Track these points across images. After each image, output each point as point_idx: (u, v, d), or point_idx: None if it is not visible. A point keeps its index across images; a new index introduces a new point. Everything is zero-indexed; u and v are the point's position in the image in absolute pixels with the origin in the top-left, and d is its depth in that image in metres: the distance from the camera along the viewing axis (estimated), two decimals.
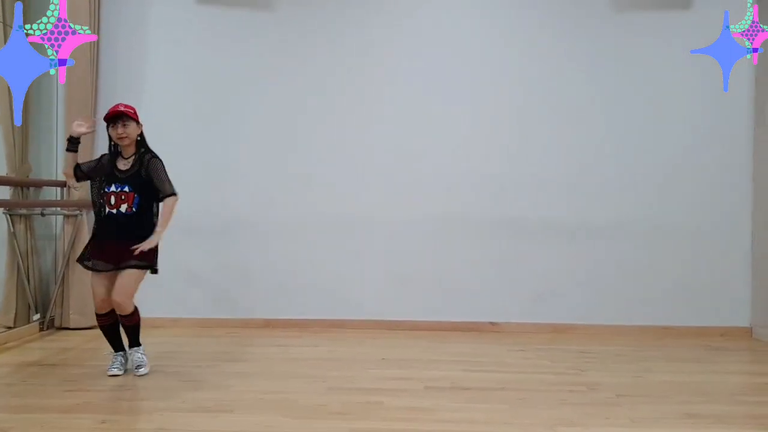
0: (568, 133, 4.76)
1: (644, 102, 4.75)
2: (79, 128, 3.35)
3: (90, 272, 3.42)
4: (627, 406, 2.99)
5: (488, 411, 2.91)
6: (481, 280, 4.78)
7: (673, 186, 4.73)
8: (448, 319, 4.76)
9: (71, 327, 4.60)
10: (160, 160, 3.43)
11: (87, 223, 4.65)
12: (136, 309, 3.43)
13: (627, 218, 4.73)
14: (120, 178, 3.36)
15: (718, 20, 4.56)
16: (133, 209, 3.34)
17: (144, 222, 3.39)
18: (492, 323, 4.76)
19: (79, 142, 3.39)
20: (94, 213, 3.50)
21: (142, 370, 3.43)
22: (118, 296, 3.31)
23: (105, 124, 3.41)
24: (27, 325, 4.42)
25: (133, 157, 3.41)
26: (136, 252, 3.27)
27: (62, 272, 4.59)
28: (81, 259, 3.46)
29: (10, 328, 4.35)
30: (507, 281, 4.77)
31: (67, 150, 3.39)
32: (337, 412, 2.86)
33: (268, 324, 4.79)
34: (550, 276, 4.76)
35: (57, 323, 4.64)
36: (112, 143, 3.44)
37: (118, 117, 3.34)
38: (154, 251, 3.39)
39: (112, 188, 3.35)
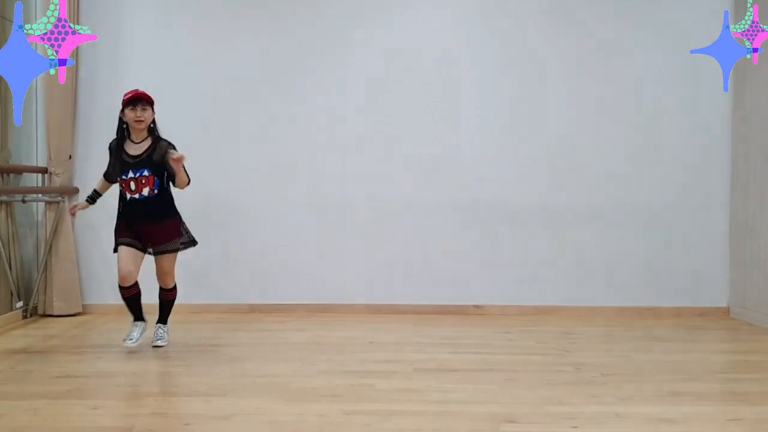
0: (550, 119, 4.81)
1: (622, 87, 4.81)
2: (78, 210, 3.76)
3: (117, 251, 3.54)
4: (612, 385, 3.07)
5: (477, 391, 2.96)
6: (464, 264, 4.83)
7: (652, 169, 4.81)
8: (432, 303, 4.80)
9: (55, 314, 4.56)
10: (175, 147, 3.52)
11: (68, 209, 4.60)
12: (175, 285, 3.72)
13: (607, 202, 4.81)
14: (133, 163, 3.45)
15: (699, 7, 4.73)
16: (155, 191, 3.48)
17: (166, 201, 3.57)
18: (476, 306, 4.82)
19: (89, 198, 3.73)
20: (119, 199, 3.59)
21: (160, 342, 3.66)
22: (161, 276, 3.64)
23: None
24: (10, 313, 4.37)
25: (146, 141, 3.49)
26: (175, 157, 3.37)
27: (45, 259, 4.54)
28: (115, 248, 3.57)
29: None
30: (490, 265, 4.83)
31: (93, 202, 3.76)
32: (329, 394, 2.89)
33: (253, 309, 4.80)
34: (533, 259, 4.82)
35: (40, 310, 4.60)
36: (124, 126, 3.49)
37: (138, 100, 3.42)
38: (180, 229, 3.61)
39: (130, 174, 3.46)
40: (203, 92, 4.78)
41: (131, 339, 3.55)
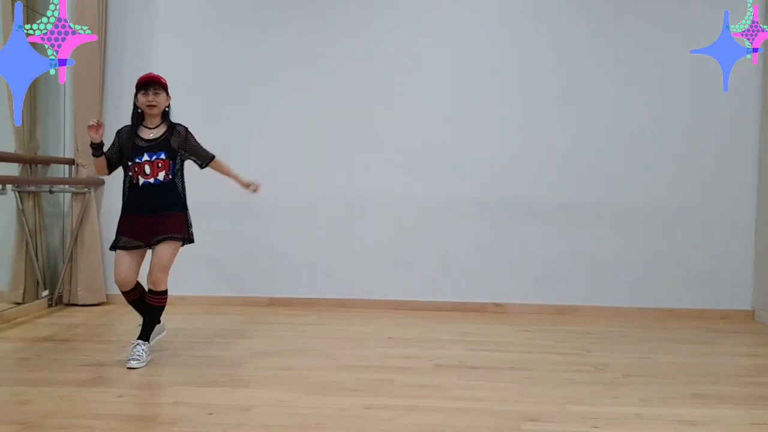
0: (573, 117, 4.78)
1: (650, 86, 4.75)
2: (95, 134, 3.21)
3: (116, 252, 3.30)
4: (634, 386, 3.04)
5: (498, 389, 2.96)
6: (484, 261, 4.82)
7: (676, 169, 4.75)
8: (451, 300, 4.80)
9: (79, 303, 4.63)
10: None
11: (94, 200, 4.67)
12: (166, 291, 3.33)
13: (630, 201, 4.76)
14: (148, 147, 3.26)
15: (724, 4, 4.66)
16: (170, 176, 3.29)
17: (176, 190, 3.34)
18: (495, 304, 4.81)
19: (102, 145, 3.25)
20: (124, 190, 3.37)
21: (135, 363, 3.17)
22: (155, 271, 3.26)
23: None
24: (36, 301, 4.46)
25: (161, 126, 3.32)
26: (254, 189, 3.51)
27: (70, 249, 4.61)
28: (113, 246, 3.33)
29: (18, 303, 4.38)
30: (510, 263, 4.81)
31: (94, 156, 3.28)
32: (349, 388, 2.91)
33: (273, 302, 4.84)
34: (553, 258, 4.80)
35: (65, 299, 4.68)
36: (138, 110, 3.32)
37: (150, 84, 3.26)
38: (185, 223, 3.34)
39: (145, 158, 3.24)
40: (223, 88, 4.82)
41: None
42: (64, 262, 4.63)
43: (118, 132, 3.38)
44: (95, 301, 4.67)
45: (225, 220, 4.81)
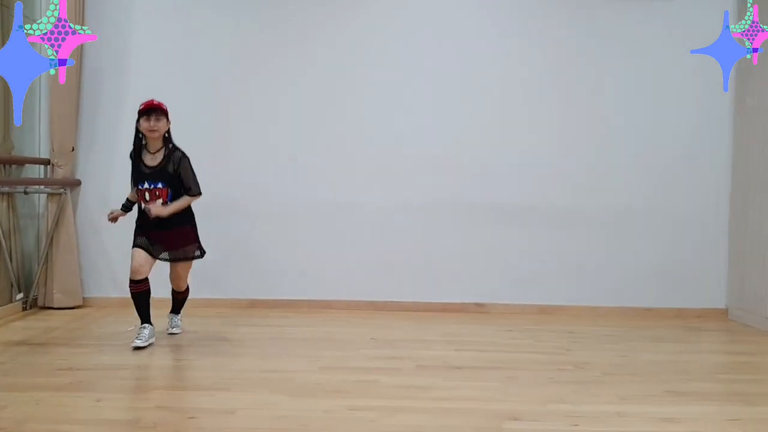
0: (553, 120, 4.81)
1: (626, 92, 4.81)
2: (116, 221, 3.72)
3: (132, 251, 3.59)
4: (614, 384, 3.08)
5: (481, 389, 2.97)
6: (467, 262, 4.83)
7: (654, 173, 4.82)
8: (434, 301, 4.81)
9: (55, 306, 4.54)
10: (188, 158, 3.61)
11: (70, 201, 4.59)
12: (188, 287, 3.89)
13: (609, 203, 4.82)
14: (149, 174, 3.54)
15: (697, 9, 4.74)
16: (168, 203, 3.56)
17: (180, 211, 3.62)
18: (478, 304, 4.83)
19: (129, 204, 3.74)
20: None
21: (176, 329, 3.87)
22: (176, 281, 3.79)
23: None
24: (9, 305, 4.36)
25: (161, 152, 3.56)
26: (152, 213, 3.52)
27: (45, 251, 4.52)
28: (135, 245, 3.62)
29: None
30: (492, 264, 4.83)
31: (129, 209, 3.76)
32: (333, 390, 2.90)
33: (255, 304, 4.80)
34: (535, 259, 4.83)
35: (40, 302, 4.59)
36: (140, 135, 3.56)
37: (152, 110, 3.49)
38: (196, 238, 3.73)
39: (146, 185, 3.54)
40: (205, 89, 4.76)
41: (137, 343, 3.48)
42: (39, 265, 4.55)
43: (130, 157, 3.64)
44: (71, 304, 4.58)
45: (206, 221, 4.70)
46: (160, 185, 3.53)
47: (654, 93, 4.82)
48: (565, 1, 4.80)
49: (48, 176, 4.59)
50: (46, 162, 4.58)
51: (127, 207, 3.75)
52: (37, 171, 4.65)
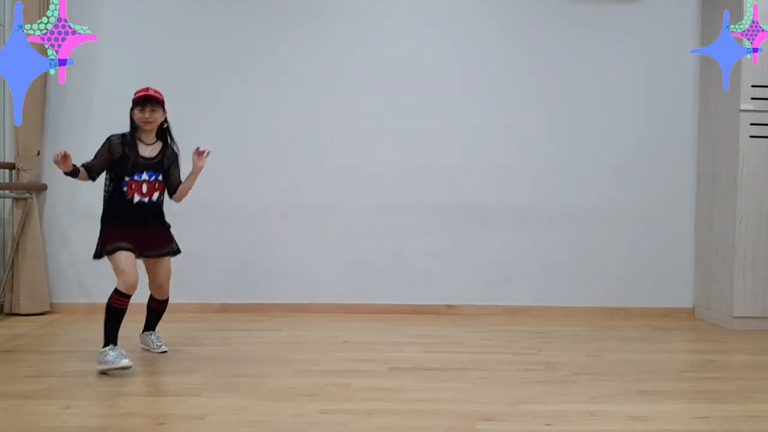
0: (520, 122, 4.88)
1: (595, 93, 4.90)
2: (64, 167, 3.11)
3: (114, 254, 3.18)
4: (584, 383, 3.13)
5: (452, 390, 2.99)
6: (437, 264, 4.87)
7: (621, 174, 4.91)
8: (405, 303, 4.83)
9: (22, 313, 4.46)
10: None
11: (37, 206, 4.51)
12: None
13: (577, 205, 4.90)
14: (147, 165, 3.30)
15: (665, 13, 4.85)
16: (162, 197, 3.41)
17: (162, 206, 3.46)
18: (449, 306, 4.86)
19: (75, 170, 3.17)
20: (110, 200, 3.31)
21: (164, 347, 3.57)
22: (164, 285, 3.48)
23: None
24: None
25: (157, 144, 3.36)
26: (205, 154, 3.43)
27: (11, 257, 4.44)
28: (99, 254, 3.24)
29: None
30: (462, 265, 4.88)
31: (70, 175, 3.19)
32: (304, 394, 2.89)
33: (226, 308, 4.77)
34: (504, 260, 4.89)
35: (6, 309, 4.50)
36: (135, 126, 3.30)
37: (147, 101, 3.26)
38: (171, 236, 3.51)
39: (144, 177, 3.28)
40: (175, 88, 4.69)
41: (124, 363, 3.11)
42: (4, 271, 4.46)
43: (110, 141, 3.27)
44: (38, 310, 4.50)
45: (176, 224, 4.69)
46: (159, 177, 3.34)
47: (619, 94, 4.91)
48: (533, 6, 4.87)
49: (13, 181, 4.51)
50: (11, 166, 4.49)
51: (76, 170, 3.18)
52: (1, 176, 4.55)
